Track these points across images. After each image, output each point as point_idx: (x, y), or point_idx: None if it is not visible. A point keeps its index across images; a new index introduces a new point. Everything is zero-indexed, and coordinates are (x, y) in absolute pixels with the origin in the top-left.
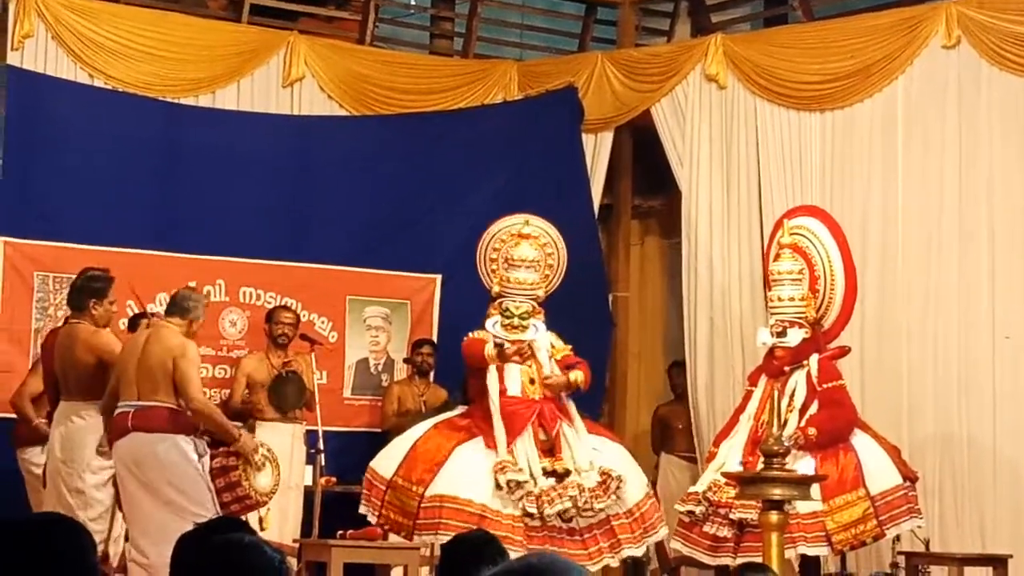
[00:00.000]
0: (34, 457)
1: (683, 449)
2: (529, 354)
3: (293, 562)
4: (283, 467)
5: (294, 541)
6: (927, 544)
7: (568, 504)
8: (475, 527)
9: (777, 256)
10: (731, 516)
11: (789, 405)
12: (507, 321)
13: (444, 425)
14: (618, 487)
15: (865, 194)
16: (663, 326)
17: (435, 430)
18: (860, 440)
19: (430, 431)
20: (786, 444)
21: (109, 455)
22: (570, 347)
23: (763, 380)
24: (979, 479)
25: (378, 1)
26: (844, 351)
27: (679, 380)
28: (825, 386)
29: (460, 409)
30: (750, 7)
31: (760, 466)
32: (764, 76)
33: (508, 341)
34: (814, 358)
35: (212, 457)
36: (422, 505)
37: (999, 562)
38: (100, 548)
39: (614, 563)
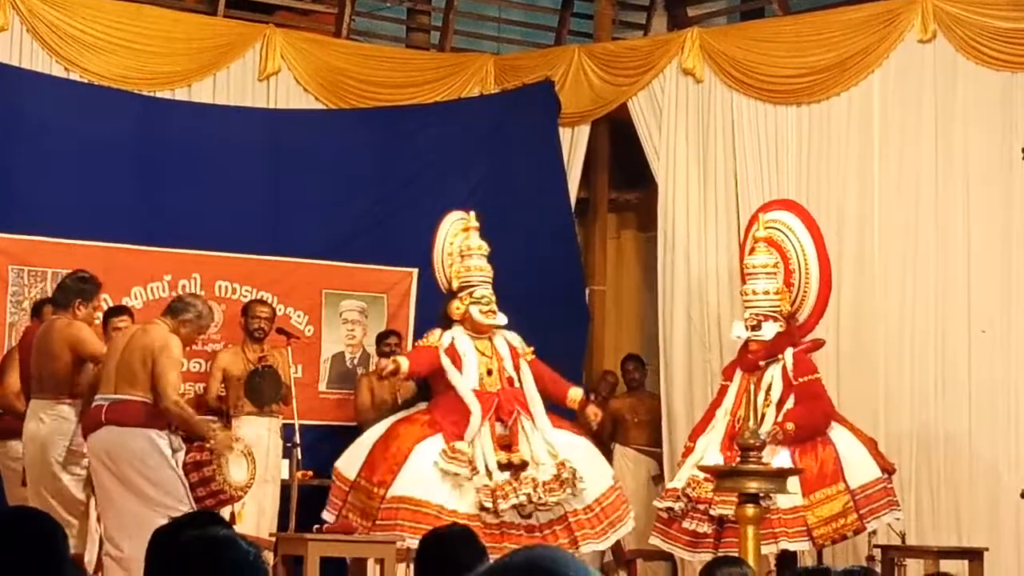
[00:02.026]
0: (12, 451)
1: (639, 442)
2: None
3: (269, 556)
4: (259, 461)
5: (270, 535)
6: (903, 537)
7: (523, 498)
8: (430, 527)
9: (752, 250)
10: (711, 512)
11: (766, 399)
12: (486, 307)
13: (404, 422)
14: (572, 479)
15: (841, 188)
16: (640, 320)
17: (395, 428)
18: (838, 433)
19: (390, 429)
20: (764, 439)
21: (81, 456)
22: (532, 348)
23: (738, 374)
24: (955, 472)
25: None
26: (819, 344)
27: (636, 374)
28: (801, 380)
29: (422, 405)
30: (727, 1)
31: (737, 460)
32: (740, 70)
33: (485, 324)
34: (789, 352)
35: (186, 452)
36: (382, 506)
37: (975, 555)
38: (73, 546)
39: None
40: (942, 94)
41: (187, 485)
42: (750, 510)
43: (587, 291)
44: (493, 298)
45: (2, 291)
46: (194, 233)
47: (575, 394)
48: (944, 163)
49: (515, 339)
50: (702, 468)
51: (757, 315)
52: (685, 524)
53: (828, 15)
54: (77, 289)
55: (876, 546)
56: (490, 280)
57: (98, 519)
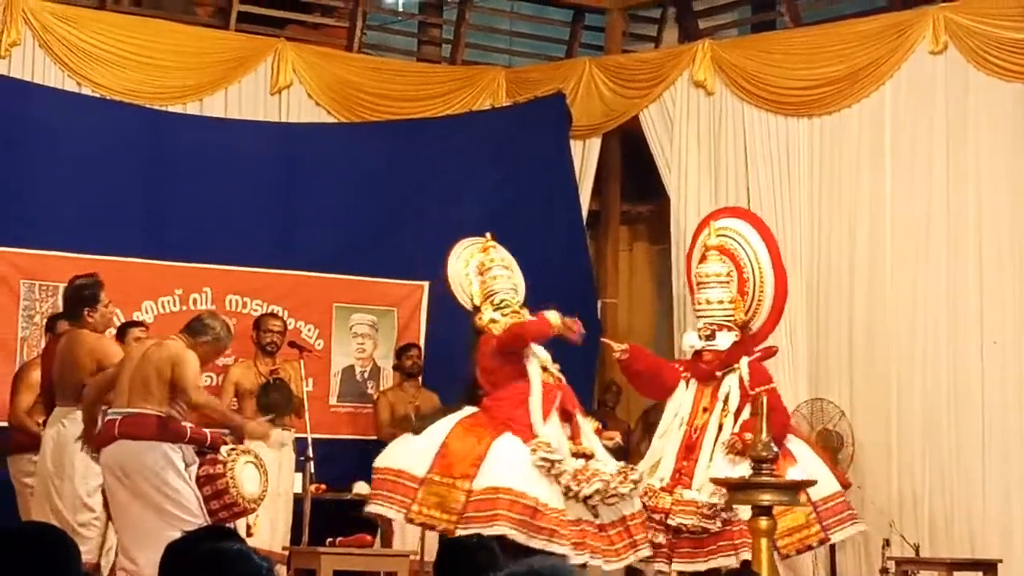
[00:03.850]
0: (25, 465)
1: None
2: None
3: (282, 570)
4: (272, 474)
5: (284, 549)
6: (917, 549)
7: (599, 486)
8: (528, 519)
9: (704, 258)
10: (668, 522)
11: (724, 409)
12: (507, 310)
13: (469, 422)
14: (637, 480)
15: (853, 199)
16: (652, 332)
17: (462, 427)
18: (796, 446)
19: (457, 429)
20: (724, 450)
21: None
22: (558, 366)
23: (693, 384)
24: (968, 484)
25: (366, 8)
26: (771, 352)
27: None
28: (758, 389)
29: (469, 409)
30: (738, 13)
31: (748, 471)
32: (752, 82)
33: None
34: (744, 361)
35: (199, 465)
36: (472, 499)
37: (989, 567)
38: (92, 558)
39: (634, 562)
40: (954, 105)
41: (200, 498)
42: (763, 522)
43: (599, 304)
44: (514, 301)
45: (14, 305)
46: (205, 247)
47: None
48: (956, 174)
49: (546, 356)
50: (715, 481)
51: (711, 325)
52: None
53: (839, 27)
54: (80, 297)
55: (890, 558)
56: (514, 288)
57: (113, 526)
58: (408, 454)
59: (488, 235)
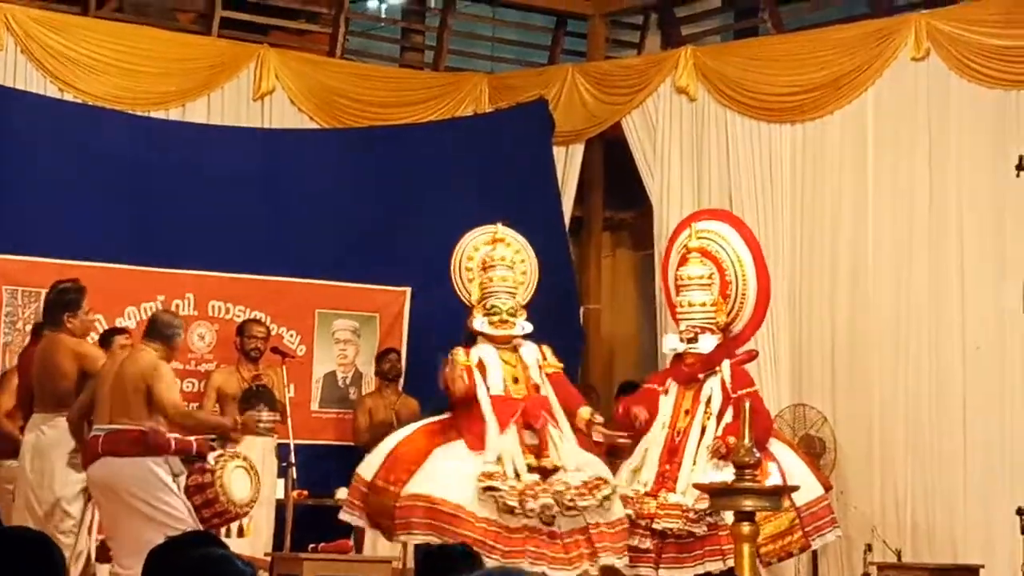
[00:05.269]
0: (4, 471)
1: None
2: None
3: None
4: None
5: (266, 555)
6: (899, 554)
7: (551, 500)
8: (447, 526)
9: (684, 260)
10: (654, 527)
11: (706, 412)
12: (495, 318)
13: (427, 428)
14: (608, 495)
15: (836, 205)
16: (635, 338)
17: (417, 432)
18: (779, 450)
19: (412, 434)
20: (709, 455)
21: (80, 468)
22: (561, 365)
23: (674, 387)
24: (950, 489)
25: (349, 14)
26: (752, 355)
27: None
28: (739, 392)
29: (445, 415)
30: (720, 19)
31: (732, 477)
32: (734, 88)
33: (495, 335)
34: (725, 364)
35: (188, 475)
36: (397, 504)
37: (971, 572)
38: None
39: (592, 570)
40: (935, 112)
41: (191, 508)
42: (745, 528)
43: (582, 310)
44: (506, 307)
45: None
46: (187, 253)
47: (584, 413)
48: (937, 180)
49: (546, 351)
50: (697, 486)
51: (693, 327)
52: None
53: (821, 33)
54: (62, 302)
55: (872, 563)
56: (514, 290)
57: (89, 533)
58: (368, 459)
59: (499, 225)
